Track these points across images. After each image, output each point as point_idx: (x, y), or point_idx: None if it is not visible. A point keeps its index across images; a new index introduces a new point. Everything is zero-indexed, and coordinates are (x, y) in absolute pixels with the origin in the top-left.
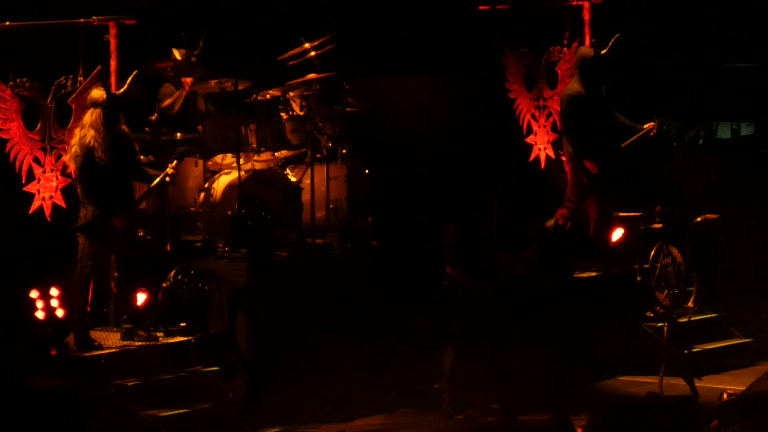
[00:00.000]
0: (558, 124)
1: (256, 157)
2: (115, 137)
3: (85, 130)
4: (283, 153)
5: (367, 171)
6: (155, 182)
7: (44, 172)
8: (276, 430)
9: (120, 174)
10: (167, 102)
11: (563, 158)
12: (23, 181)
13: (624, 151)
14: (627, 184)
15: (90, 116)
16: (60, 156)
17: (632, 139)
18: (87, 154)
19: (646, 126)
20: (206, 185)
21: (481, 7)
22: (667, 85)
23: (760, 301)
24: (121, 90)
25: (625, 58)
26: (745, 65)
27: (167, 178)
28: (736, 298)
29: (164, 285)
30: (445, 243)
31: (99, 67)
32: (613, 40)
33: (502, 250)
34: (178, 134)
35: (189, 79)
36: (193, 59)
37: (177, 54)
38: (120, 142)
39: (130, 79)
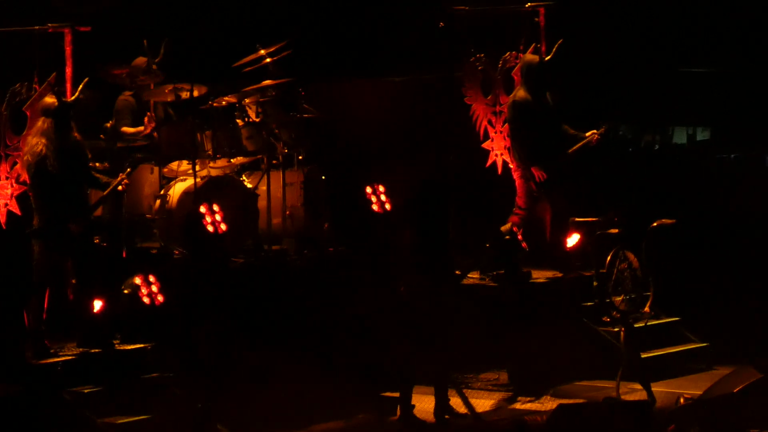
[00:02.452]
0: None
1: (211, 164)
2: (66, 145)
3: (36, 138)
4: (239, 159)
5: (323, 177)
6: (109, 189)
7: None
8: None
9: (72, 181)
10: (130, 130)
11: (512, 165)
12: None
13: (571, 157)
14: (577, 190)
15: (42, 124)
16: (15, 163)
17: (576, 146)
18: (39, 162)
19: (587, 134)
20: (162, 192)
21: (442, 12)
22: (623, 89)
23: (716, 306)
24: (73, 97)
25: (579, 63)
26: (701, 70)
27: (120, 186)
28: (692, 303)
29: (123, 291)
30: (402, 248)
31: (54, 74)
32: (556, 45)
33: (459, 255)
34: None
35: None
36: (154, 66)
37: (138, 61)
38: (72, 150)
39: (81, 86)
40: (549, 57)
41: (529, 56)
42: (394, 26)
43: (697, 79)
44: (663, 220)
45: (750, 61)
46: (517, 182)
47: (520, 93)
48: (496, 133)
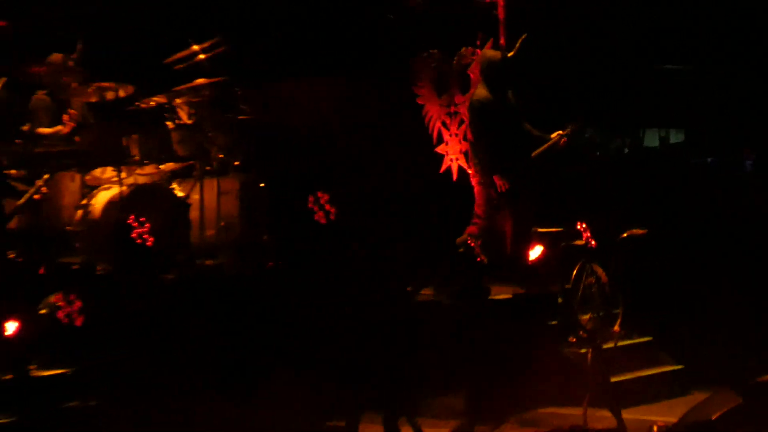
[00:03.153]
0: (469, 132)
1: (139, 171)
2: None
3: None
4: (169, 165)
5: (262, 185)
6: (25, 198)
7: None
8: None
9: None
10: (46, 131)
11: (470, 171)
12: None
13: (535, 162)
14: (542, 198)
15: None
16: None
17: (541, 149)
18: None
19: (553, 135)
20: (84, 202)
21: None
22: (591, 88)
23: (692, 324)
24: None
25: (543, 60)
26: (675, 67)
27: (37, 195)
28: (666, 321)
29: (41, 311)
30: (349, 262)
31: None
32: (520, 40)
33: (410, 271)
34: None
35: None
36: (71, 63)
37: (54, 58)
38: None
39: None
40: (512, 53)
41: (490, 52)
42: (339, 20)
43: (670, 77)
44: (633, 231)
45: (727, 59)
46: (476, 189)
47: (480, 92)
48: (450, 135)
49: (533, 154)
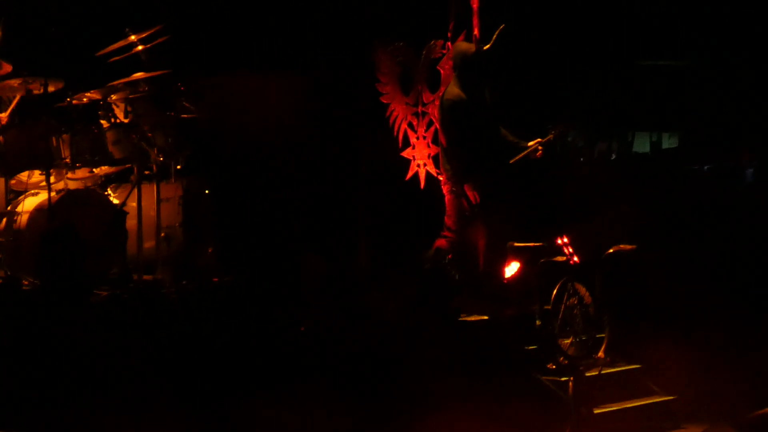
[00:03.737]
0: (439, 134)
1: (70, 174)
2: None
3: None
4: (103, 169)
5: (207, 191)
6: None
7: None
8: None
9: None
10: None
11: (440, 177)
12: None
13: (512, 169)
14: (518, 209)
15: None
16: None
17: (518, 156)
18: None
19: (531, 144)
20: (8, 209)
21: None
22: (574, 87)
23: (685, 350)
24: None
25: (520, 55)
26: (667, 63)
27: None
28: (656, 347)
29: None
30: (303, 278)
31: None
32: (497, 32)
33: (372, 287)
34: None
35: None
36: None
37: None
38: None
39: None
40: (488, 46)
41: (464, 45)
42: (296, 7)
43: (662, 74)
44: (621, 246)
45: (727, 52)
46: (447, 198)
47: (452, 90)
48: (418, 138)
49: (511, 161)
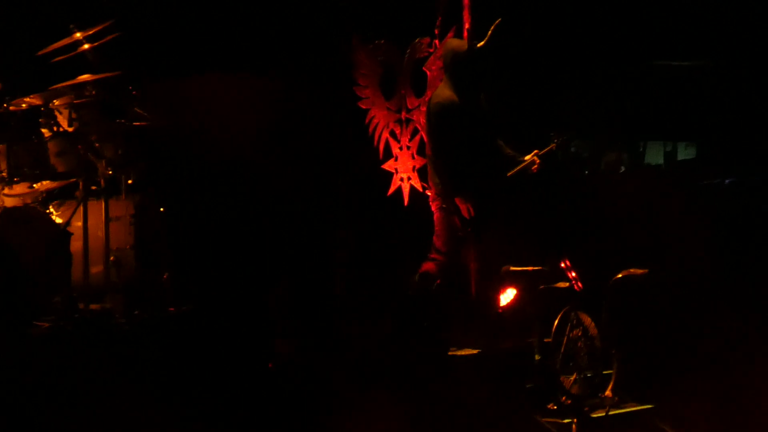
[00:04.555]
0: (426, 144)
1: (7, 190)
2: None
3: None
4: (44, 184)
5: (162, 209)
6: None
7: None
8: None
9: None
10: None
11: (428, 193)
12: None
13: (510, 183)
14: (517, 229)
15: None
16: None
17: (516, 169)
18: None
19: (527, 157)
20: None
21: None
22: (577, 91)
23: (703, 388)
24: None
25: (517, 55)
26: (683, 63)
27: None
28: (671, 384)
29: None
30: (272, 308)
31: None
32: (492, 27)
33: (350, 318)
34: None
35: None
36: None
37: None
38: None
39: None
40: (482, 43)
41: (455, 42)
42: (262, 0)
43: (678, 76)
44: (631, 270)
45: (750, 52)
46: (435, 216)
47: (442, 93)
48: (401, 149)
49: (508, 174)
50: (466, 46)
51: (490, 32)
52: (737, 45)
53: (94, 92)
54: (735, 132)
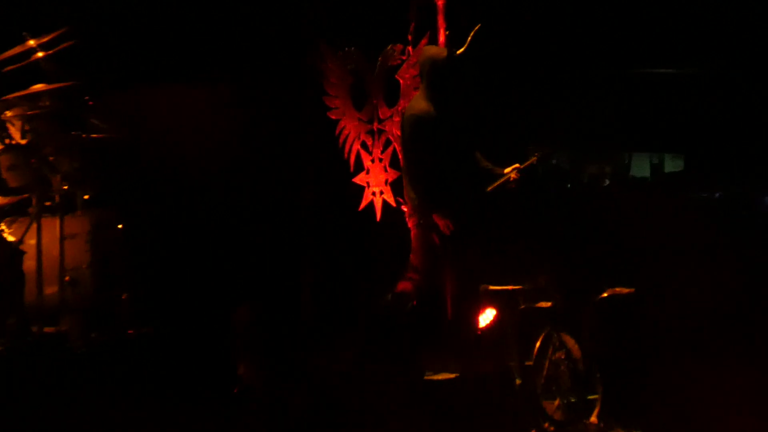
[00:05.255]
0: (400, 156)
1: None
2: None
3: None
4: None
5: (120, 226)
6: None
7: None
8: None
9: None
10: None
11: (404, 208)
12: None
13: (490, 197)
14: (496, 245)
15: None
16: None
17: (496, 183)
18: None
19: (507, 170)
20: None
21: None
22: (559, 101)
23: (694, 415)
24: None
25: (496, 63)
26: (669, 71)
27: None
28: (660, 409)
29: None
30: (235, 331)
31: None
32: (471, 34)
33: (319, 340)
34: None
35: None
36: None
37: None
38: None
39: None
40: (461, 50)
41: (433, 49)
42: (226, 5)
43: (664, 84)
44: (617, 289)
45: (741, 60)
46: (412, 233)
47: (417, 104)
48: (373, 161)
49: (488, 188)
50: (445, 54)
51: (469, 39)
52: (727, 51)
53: (48, 103)
54: (725, 143)
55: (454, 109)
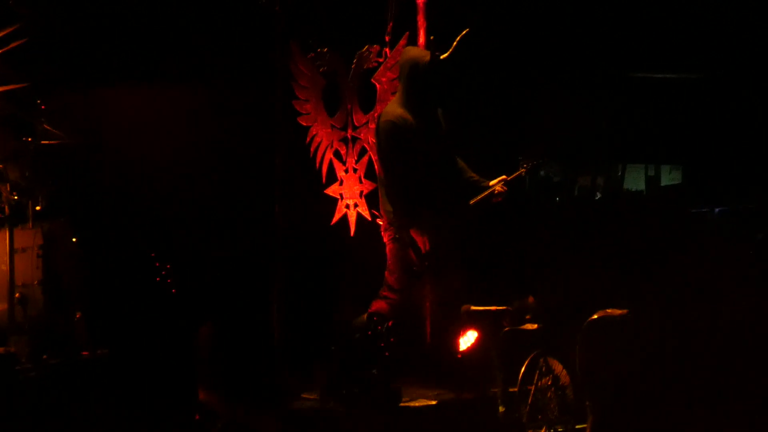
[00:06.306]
0: (376, 166)
1: None
2: None
3: None
4: None
5: (74, 239)
6: None
7: None
8: None
9: None
10: None
11: (379, 222)
12: None
13: (473, 211)
14: (479, 263)
15: None
16: None
17: (479, 197)
18: None
19: (492, 183)
20: None
21: None
22: (548, 108)
23: None
24: None
25: (481, 68)
26: (667, 76)
27: None
28: None
29: None
30: (197, 353)
31: None
32: (459, 38)
33: (287, 363)
34: None
35: None
36: None
37: None
38: None
39: None
40: (446, 55)
41: (415, 51)
42: (189, 2)
43: (660, 90)
44: (608, 310)
45: (743, 64)
46: (388, 249)
47: (394, 110)
48: (347, 171)
49: (471, 201)
50: (428, 57)
51: (456, 43)
52: (730, 53)
53: None
54: (727, 153)
55: (433, 115)
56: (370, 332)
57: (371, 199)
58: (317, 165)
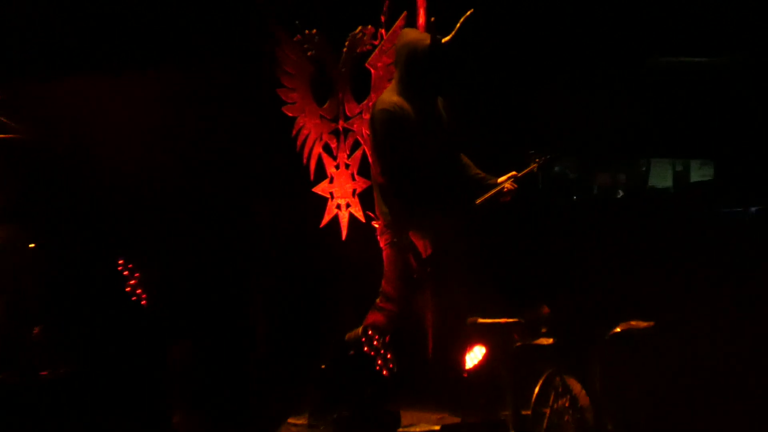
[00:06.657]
0: (370, 162)
1: None
2: None
3: None
4: None
5: (32, 245)
6: None
7: None
8: None
9: None
10: None
11: (375, 224)
12: None
13: (478, 212)
14: (487, 270)
15: None
16: None
17: (486, 196)
18: None
19: (500, 180)
20: None
21: None
22: (563, 96)
23: None
24: None
25: (487, 53)
26: (696, 60)
27: None
28: None
29: None
30: (171, 373)
31: None
32: (461, 21)
33: (272, 383)
34: None
35: None
36: None
37: None
38: None
39: None
40: (448, 38)
41: (413, 34)
42: None
43: (689, 77)
44: (632, 323)
45: None
46: (384, 254)
47: (389, 98)
48: (338, 167)
49: (477, 201)
50: (428, 41)
51: (459, 25)
52: (766, 34)
53: None
54: (762, 147)
55: (433, 104)
56: (365, 348)
57: (365, 199)
58: (304, 160)
